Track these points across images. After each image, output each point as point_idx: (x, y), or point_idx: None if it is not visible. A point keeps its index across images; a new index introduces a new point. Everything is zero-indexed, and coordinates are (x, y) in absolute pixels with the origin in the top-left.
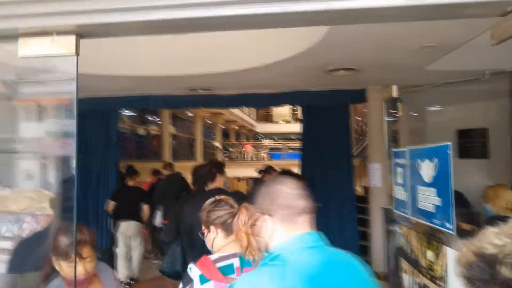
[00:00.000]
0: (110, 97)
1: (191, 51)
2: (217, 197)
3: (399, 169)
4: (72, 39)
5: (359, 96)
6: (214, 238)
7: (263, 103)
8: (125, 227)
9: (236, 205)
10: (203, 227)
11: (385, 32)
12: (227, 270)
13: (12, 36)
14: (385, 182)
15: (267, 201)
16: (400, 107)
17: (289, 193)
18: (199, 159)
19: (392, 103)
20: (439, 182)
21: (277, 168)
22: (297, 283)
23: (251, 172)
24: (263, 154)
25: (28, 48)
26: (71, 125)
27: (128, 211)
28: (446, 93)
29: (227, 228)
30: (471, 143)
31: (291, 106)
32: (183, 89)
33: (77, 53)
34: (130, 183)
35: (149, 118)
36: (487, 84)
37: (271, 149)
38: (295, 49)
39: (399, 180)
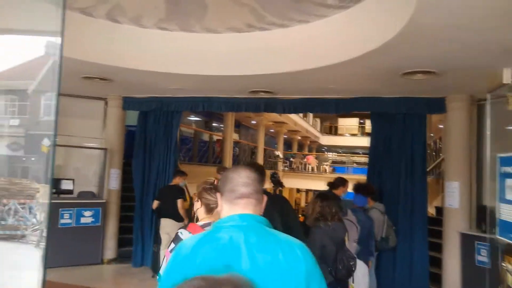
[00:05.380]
0: (173, 97)
1: (253, 50)
2: (216, 182)
3: (510, 181)
4: None
5: (438, 105)
6: (198, 208)
7: (329, 109)
8: (164, 224)
9: None
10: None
11: (479, 26)
12: None
13: None
14: (464, 203)
15: (221, 183)
16: (511, 99)
17: (235, 180)
18: None
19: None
20: None
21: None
22: (204, 249)
23: (313, 184)
24: (326, 166)
25: None
26: None
27: (167, 209)
28: None
29: (209, 209)
30: None
31: (359, 119)
32: (244, 92)
33: None
34: (173, 182)
35: (214, 124)
36: None
37: (335, 162)
38: (367, 46)
39: (509, 195)
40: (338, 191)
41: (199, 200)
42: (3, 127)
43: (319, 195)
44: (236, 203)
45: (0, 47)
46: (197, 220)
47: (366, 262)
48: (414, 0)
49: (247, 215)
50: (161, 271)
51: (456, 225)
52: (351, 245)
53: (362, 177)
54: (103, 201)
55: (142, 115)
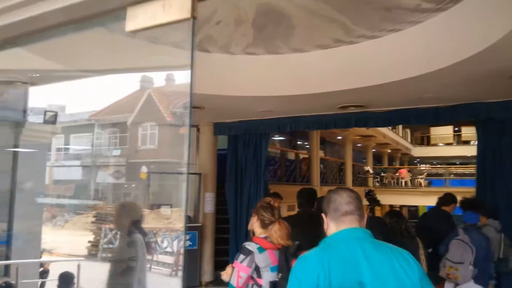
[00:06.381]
0: (261, 119)
1: (342, 65)
2: (272, 202)
3: None
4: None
5: None
6: (254, 223)
7: (427, 119)
8: None
9: (276, 217)
10: (254, 210)
11: None
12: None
13: (119, 8)
14: None
15: (325, 204)
16: None
17: (338, 200)
18: (349, 184)
19: None
20: None
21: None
22: (328, 261)
23: (408, 199)
24: (421, 180)
25: (136, 20)
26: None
27: None
28: None
29: (263, 225)
30: None
31: (454, 127)
32: (333, 108)
33: (194, 16)
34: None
35: (299, 142)
36: None
37: (430, 175)
38: (468, 50)
39: None
40: (449, 208)
41: (255, 215)
42: (108, 158)
43: (389, 212)
44: (342, 220)
45: (101, 87)
46: (254, 234)
47: (486, 286)
48: None
49: (357, 229)
50: (232, 282)
51: None
52: (468, 269)
53: (463, 190)
54: (199, 224)
55: (232, 139)
